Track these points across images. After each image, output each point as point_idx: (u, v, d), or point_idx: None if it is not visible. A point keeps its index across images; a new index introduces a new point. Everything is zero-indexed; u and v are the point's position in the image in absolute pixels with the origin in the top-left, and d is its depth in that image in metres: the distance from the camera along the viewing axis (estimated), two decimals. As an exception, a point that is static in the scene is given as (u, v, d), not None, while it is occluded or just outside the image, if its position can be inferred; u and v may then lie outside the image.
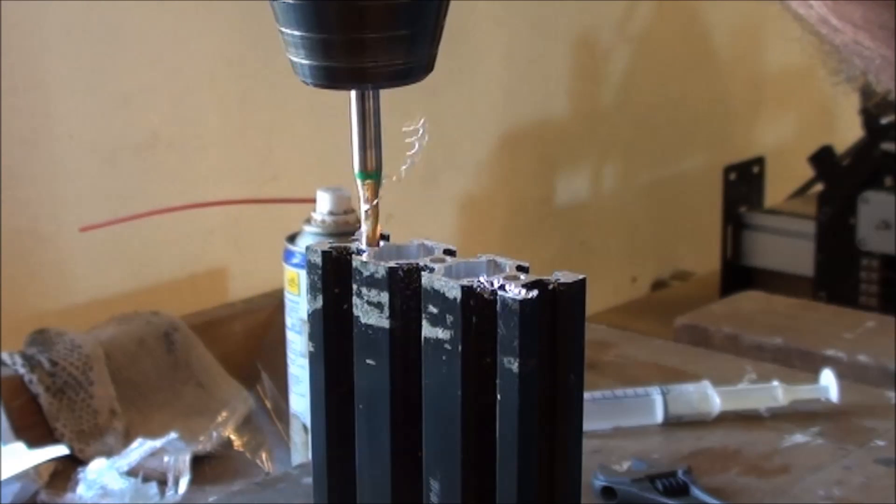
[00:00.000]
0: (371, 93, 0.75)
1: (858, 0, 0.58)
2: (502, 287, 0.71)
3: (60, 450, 1.12)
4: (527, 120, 1.93)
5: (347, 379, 0.77)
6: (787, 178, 2.12)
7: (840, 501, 1.01)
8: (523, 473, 0.71)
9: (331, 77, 0.73)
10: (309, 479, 0.87)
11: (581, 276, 0.72)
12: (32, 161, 1.40)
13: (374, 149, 0.76)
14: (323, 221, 1.10)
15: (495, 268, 0.74)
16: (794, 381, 1.18)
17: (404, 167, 0.75)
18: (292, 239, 1.11)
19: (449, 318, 0.71)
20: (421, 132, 0.75)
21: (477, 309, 0.71)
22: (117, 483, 1.08)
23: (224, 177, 1.56)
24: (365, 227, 0.76)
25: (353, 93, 0.75)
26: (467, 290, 0.71)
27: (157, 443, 1.11)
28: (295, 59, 0.73)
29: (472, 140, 1.86)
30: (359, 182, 0.76)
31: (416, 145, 0.75)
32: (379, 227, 0.76)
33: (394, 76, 0.73)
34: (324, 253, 0.77)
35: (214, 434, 1.20)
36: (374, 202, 0.76)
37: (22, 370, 1.18)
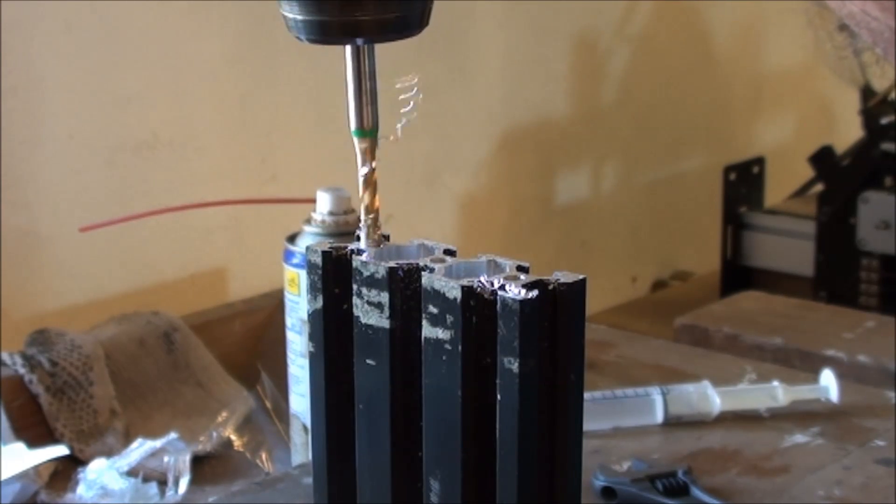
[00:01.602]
0: (366, 49, 0.74)
1: None
2: (502, 287, 0.71)
3: (60, 450, 1.12)
4: (527, 120, 1.93)
5: (347, 379, 0.77)
6: (787, 178, 2.12)
7: (840, 501, 1.01)
8: (523, 473, 0.71)
9: (324, 31, 0.73)
10: (309, 479, 0.87)
11: (581, 276, 0.72)
12: (32, 161, 1.40)
13: (370, 106, 0.75)
14: (323, 221, 1.10)
15: (495, 268, 0.74)
16: (794, 381, 1.18)
17: (400, 125, 0.75)
18: (292, 239, 1.11)
19: (449, 318, 0.71)
20: (415, 90, 0.74)
21: (477, 309, 0.71)
22: (117, 483, 1.08)
23: (224, 177, 1.56)
24: (363, 195, 0.76)
25: (347, 49, 0.74)
26: (467, 290, 0.71)
27: (157, 443, 1.11)
28: (289, 15, 0.73)
29: (472, 140, 1.86)
30: (356, 140, 0.76)
31: (411, 103, 0.74)
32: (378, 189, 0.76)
33: (387, 29, 0.73)
34: (324, 253, 0.77)
35: (214, 434, 1.20)
36: (373, 163, 0.76)
37: (22, 370, 1.18)
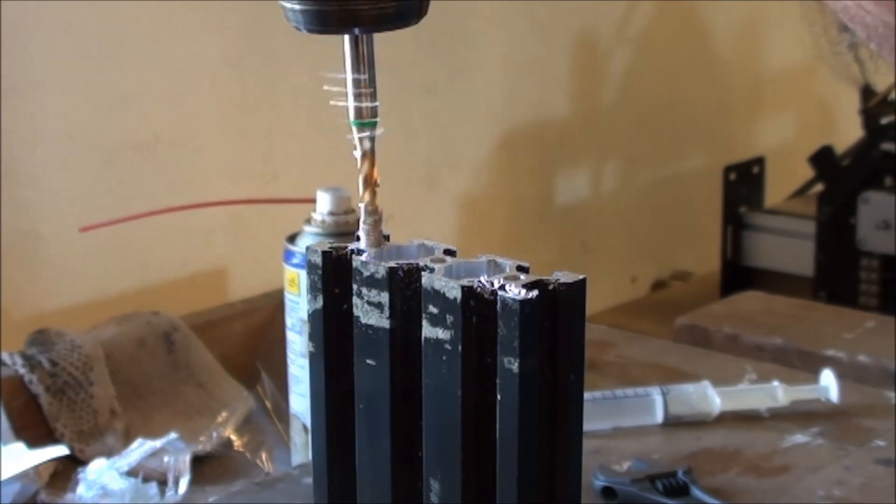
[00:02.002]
0: (364, 38, 0.75)
1: None
2: (502, 287, 0.71)
3: (60, 450, 1.12)
4: (527, 120, 1.93)
5: (347, 379, 0.77)
6: (787, 178, 2.12)
7: (840, 501, 1.01)
8: (523, 473, 0.71)
9: (323, 21, 0.73)
10: (309, 479, 0.87)
11: (581, 277, 0.72)
12: (32, 161, 1.40)
13: (368, 96, 0.76)
14: (323, 221, 1.10)
15: (495, 268, 0.74)
16: (794, 381, 1.18)
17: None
18: (292, 239, 1.11)
19: (449, 318, 0.71)
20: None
21: (477, 309, 0.71)
22: (117, 483, 1.08)
23: (224, 177, 1.56)
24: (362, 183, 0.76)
25: (346, 38, 0.75)
26: (467, 290, 0.71)
27: (157, 443, 1.11)
28: (287, 5, 0.73)
29: (472, 140, 1.86)
30: (354, 130, 0.76)
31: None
32: (377, 172, 0.76)
33: (386, 19, 0.73)
34: (324, 253, 0.77)
35: (214, 434, 1.20)
36: (371, 151, 0.76)
37: (22, 370, 1.18)
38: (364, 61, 0.75)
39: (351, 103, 0.75)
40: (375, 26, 0.74)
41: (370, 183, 0.76)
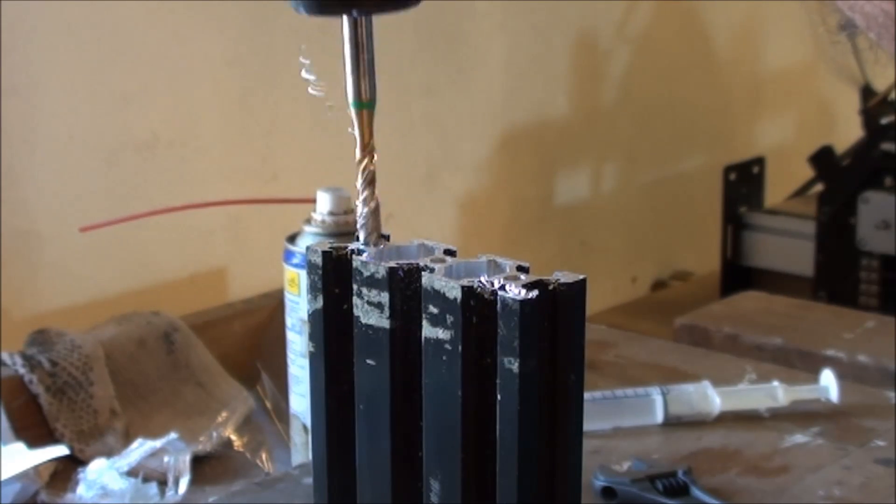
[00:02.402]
0: (363, 20, 0.75)
1: None
2: (502, 287, 0.71)
3: (60, 450, 1.12)
4: (527, 120, 1.93)
5: (347, 379, 0.77)
6: (787, 178, 2.12)
7: (840, 501, 1.01)
8: (523, 473, 0.71)
9: (322, 2, 0.73)
10: (309, 479, 0.87)
11: (581, 276, 0.72)
12: (32, 161, 1.40)
13: (367, 77, 0.76)
14: (323, 221, 1.10)
15: (495, 268, 0.74)
16: (794, 381, 1.18)
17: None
18: (292, 239, 1.11)
19: (449, 318, 0.71)
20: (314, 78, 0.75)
21: (477, 309, 0.71)
22: (117, 483, 1.08)
23: (224, 177, 1.56)
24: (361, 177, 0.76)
25: (345, 20, 0.75)
26: (467, 290, 0.71)
27: (157, 443, 1.11)
28: None
29: (472, 140, 1.86)
30: (353, 112, 0.76)
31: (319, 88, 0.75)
32: (375, 162, 0.76)
33: (385, 0, 0.73)
34: (324, 253, 0.77)
35: (214, 434, 1.20)
36: (370, 139, 0.75)
37: (22, 370, 1.18)
38: (363, 44, 0.75)
39: (349, 85, 0.76)
40: (374, 8, 0.74)
41: (365, 151, 0.76)
